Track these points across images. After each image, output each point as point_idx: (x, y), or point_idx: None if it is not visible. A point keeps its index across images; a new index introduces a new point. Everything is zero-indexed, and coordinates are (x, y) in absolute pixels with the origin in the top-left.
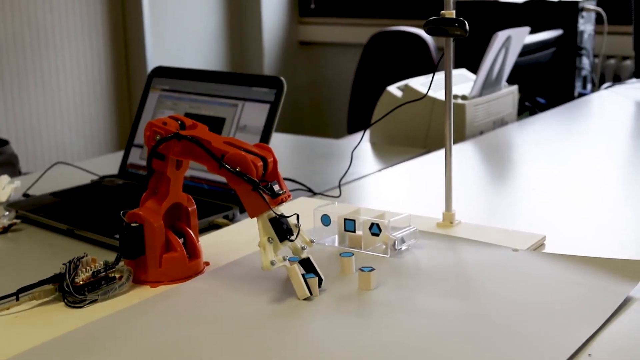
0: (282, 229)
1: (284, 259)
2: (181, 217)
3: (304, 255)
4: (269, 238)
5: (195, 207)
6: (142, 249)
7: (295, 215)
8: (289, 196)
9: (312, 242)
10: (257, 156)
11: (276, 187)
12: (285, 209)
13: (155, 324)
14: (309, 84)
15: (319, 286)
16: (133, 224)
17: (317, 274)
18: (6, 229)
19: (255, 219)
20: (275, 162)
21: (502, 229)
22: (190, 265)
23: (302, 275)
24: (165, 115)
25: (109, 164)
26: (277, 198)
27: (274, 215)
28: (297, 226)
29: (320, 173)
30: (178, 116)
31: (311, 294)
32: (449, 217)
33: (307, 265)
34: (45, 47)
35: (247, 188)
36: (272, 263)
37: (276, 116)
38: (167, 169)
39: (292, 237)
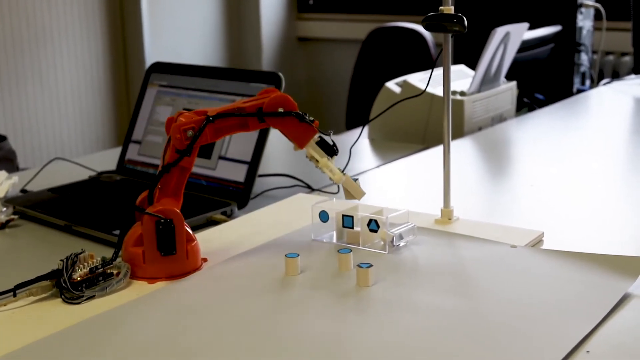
0: (330, 147)
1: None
2: None
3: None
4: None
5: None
6: (175, 243)
7: (330, 132)
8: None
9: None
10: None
11: (306, 116)
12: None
13: (152, 320)
14: (308, 79)
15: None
16: (164, 220)
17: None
18: (4, 225)
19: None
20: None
21: (500, 226)
22: (188, 261)
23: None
24: (164, 112)
25: (107, 160)
26: (314, 123)
27: (318, 138)
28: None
29: (318, 169)
30: (183, 111)
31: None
32: (447, 214)
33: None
34: (43, 43)
35: (293, 122)
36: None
37: None
38: (192, 163)
39: (338, 150)
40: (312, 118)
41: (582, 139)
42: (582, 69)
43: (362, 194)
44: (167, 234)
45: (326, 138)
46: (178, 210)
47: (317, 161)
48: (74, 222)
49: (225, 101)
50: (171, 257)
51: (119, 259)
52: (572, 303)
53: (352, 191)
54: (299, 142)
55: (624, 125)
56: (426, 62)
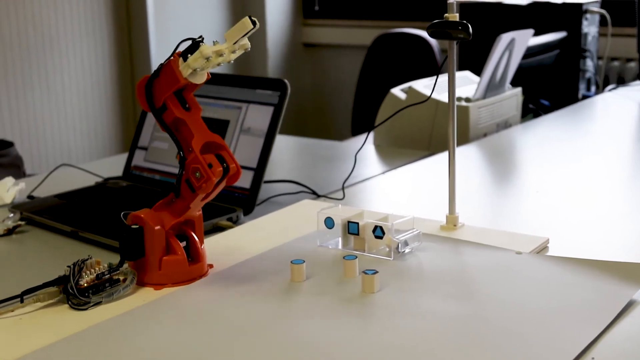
0: (190, 46)
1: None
2: (187, 222)
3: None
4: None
5: (201, 212)
6: (142, 251)
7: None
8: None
9: None
10: None
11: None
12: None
13: (159, 326)
14: (313, 86)
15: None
16: (133, 226)
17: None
18: (11, 231)
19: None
20: None
21: (505, 232)
22: (192, 268)
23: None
24: None
25: (114, 166)
26: (172, 56)
27: (180, 58)
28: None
29: (323, 175)
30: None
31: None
32: (452, 220)
33: None
34: (50, 48)
35: (155, 84)
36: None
37: (280, 118)
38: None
39: (200, 37)
40: (162, 63)
41: (587, 145)
42: (588, 75)
43: (248, 23)
44: (126, 239)
45: (181, 46)
46: (152, 223)
47: (203, 69)
48: (81, 228)
49: (231, 107)
50: (174, 264)
51: (125, 265)
52: (577, 309)
53: (236, 27)
54: (176, 81)
55: (630, 131)
56: (432, 68)
